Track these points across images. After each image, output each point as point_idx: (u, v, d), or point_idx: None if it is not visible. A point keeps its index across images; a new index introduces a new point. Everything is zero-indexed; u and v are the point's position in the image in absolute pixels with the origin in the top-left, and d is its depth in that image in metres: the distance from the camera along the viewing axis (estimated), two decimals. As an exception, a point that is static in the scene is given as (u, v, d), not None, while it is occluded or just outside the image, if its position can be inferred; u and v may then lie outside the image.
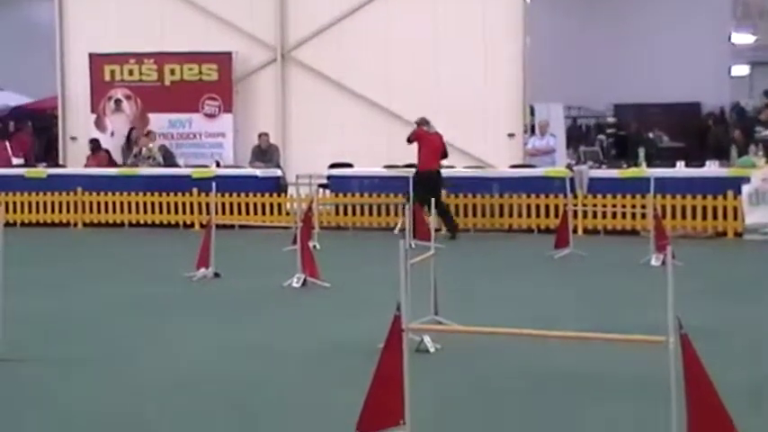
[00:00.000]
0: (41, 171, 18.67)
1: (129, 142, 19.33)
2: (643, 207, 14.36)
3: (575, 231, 13.93)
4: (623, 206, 15.48)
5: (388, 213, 16.77)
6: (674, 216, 15.43)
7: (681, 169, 16.14)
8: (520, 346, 6.85)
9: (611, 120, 26.49)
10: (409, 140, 15.68)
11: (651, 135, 23.71)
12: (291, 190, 16.95)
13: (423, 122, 15.73)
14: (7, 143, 21.78)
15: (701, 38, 24.84)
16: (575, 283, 10.79)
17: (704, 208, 15.41)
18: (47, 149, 23.24)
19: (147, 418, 5.50)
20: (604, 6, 26.14)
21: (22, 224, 17.77)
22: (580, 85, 24.74)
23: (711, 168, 16.10)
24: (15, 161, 20.74)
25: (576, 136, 25.40)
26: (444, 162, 16.10)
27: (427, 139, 15.62)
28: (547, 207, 16.11)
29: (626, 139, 23.73)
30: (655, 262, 11.52)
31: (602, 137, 23.47)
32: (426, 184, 15.23)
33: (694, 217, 15.46)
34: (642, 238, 14.09)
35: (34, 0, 28.17)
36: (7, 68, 26.16)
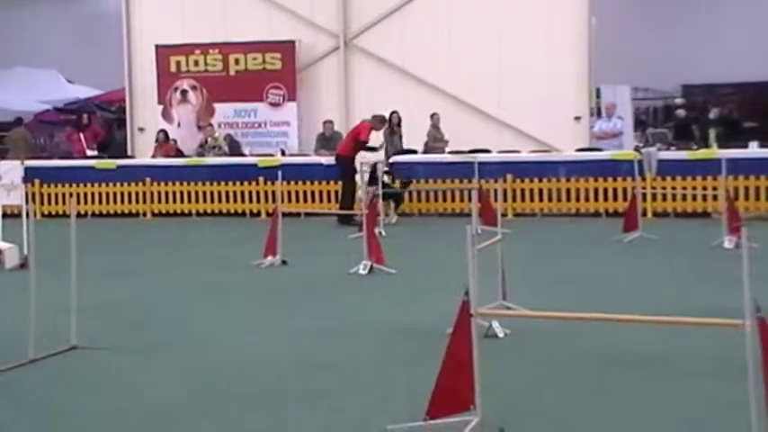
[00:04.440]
0: (111, 162, 18.96)
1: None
2: (714, 189, 14.09)
3: (644, 214, 13.72)
4: (694, 188, 15.22)
5: (453, 199, 16.70)
6: (746, 197, 15.12)
7: (753, 150, 15.80)
8: (590, 330, 6.76)
9: (679, 101, 26.03)
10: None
11: (712, 115, 23.06)
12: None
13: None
14: (81, 134, 22.20)
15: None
16: (645, 266, 10.62)
17: (778, 188, 15.10)
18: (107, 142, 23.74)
19: (222, 402, 5.54)
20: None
21: (93, 215, 18.09)
22: (647, 65, 24.32)
23: (786, 148, 15.76)
24: (89, 152, 21.14)
25: (644, 118, 24.99)
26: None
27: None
28: (615, 190, 15.93)
29: (696, 120, 23.26)
30: (728, 244, 11.31)
31: (681, 111, 22.67)
32: (336, 167, 16.22)
33: (768, 198, 15.17)
34: (714, 220, 13.83)
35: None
36: (76, 62, 26.63)
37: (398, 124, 18.20)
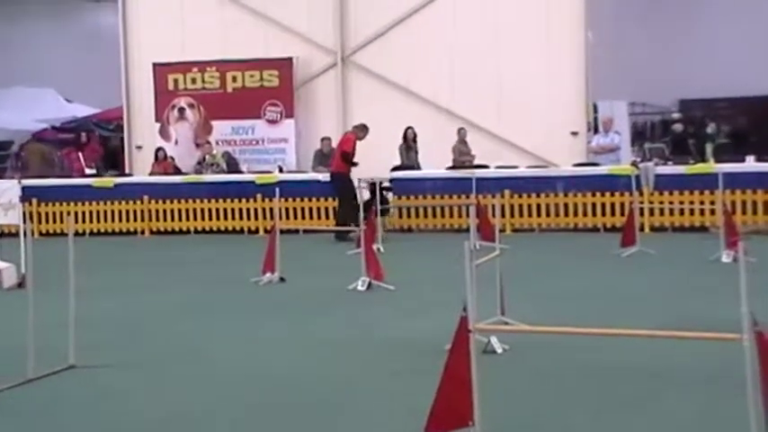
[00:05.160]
0: (109, 180, 18.96)
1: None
2: (711, 203, 14.11)
3: (641, 229, 13.74)
4: (691, 203, 15.23)
5: (451, 215, 16.71)
6: (744, 212, 15.14)
7: (750, 164, 15.83)
8: (589, 344, 6.75)
9: (675, 115, 26.10)
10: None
11: (709, 130, 23.13)
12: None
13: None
14: (80, 154, 22.22)
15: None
16: (643, 280, 10.61)
17: (775, 203, 15.11)
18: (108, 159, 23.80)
19: (220, 417, 5.53)
20: (668, -3, 25.74)
21: (91, 233, 18.07)
22: (644, 80, 24.39)
23: (782, 162, 15.78)
24: (88, 171, 21.17)
25: (641, 132, 25.03)
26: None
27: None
28: (612, 205, 15.94)
29: (693, 134, 23.31)
30: (725, 258, 11.30)
31: (678, 126, 22.67)
32: (332, 184, 16.24)
33: (766, 212, 15.15)
34: (711, 234, 13.83)
35: (98, 12, 28.75)
36: (74, 81, 26.68)
37: (414, 140, 18.14)
